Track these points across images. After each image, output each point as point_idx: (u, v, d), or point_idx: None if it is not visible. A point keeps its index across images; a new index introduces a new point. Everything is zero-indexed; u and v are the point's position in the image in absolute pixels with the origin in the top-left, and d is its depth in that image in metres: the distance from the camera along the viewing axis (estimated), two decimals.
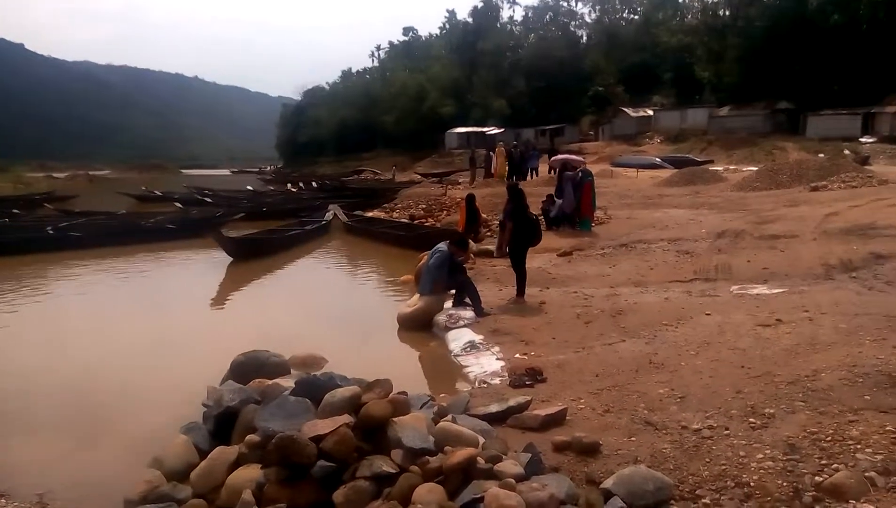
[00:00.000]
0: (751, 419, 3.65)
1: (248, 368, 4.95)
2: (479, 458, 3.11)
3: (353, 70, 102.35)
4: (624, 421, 3.85)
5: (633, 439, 3.60)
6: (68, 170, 65.54)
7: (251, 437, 3.44)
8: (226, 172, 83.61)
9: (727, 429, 3.57)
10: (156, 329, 7.71)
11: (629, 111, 50.89)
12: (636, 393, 4.27)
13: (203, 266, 12.40)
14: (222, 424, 3.92)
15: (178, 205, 22.39)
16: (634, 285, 7.88)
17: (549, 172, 15.97)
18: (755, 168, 23.57)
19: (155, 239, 14.91)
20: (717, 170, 25.21)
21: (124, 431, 4.60)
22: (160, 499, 3.27)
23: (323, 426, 3.25)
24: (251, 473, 3.25)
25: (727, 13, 47.62)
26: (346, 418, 3.35)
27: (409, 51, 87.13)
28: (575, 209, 12.62)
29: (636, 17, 67.50)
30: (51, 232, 14.74)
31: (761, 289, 7.11)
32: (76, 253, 13.14)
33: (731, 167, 28.72)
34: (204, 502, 3.26)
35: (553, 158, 17.98)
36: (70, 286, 10.57)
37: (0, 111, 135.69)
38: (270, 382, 4.42)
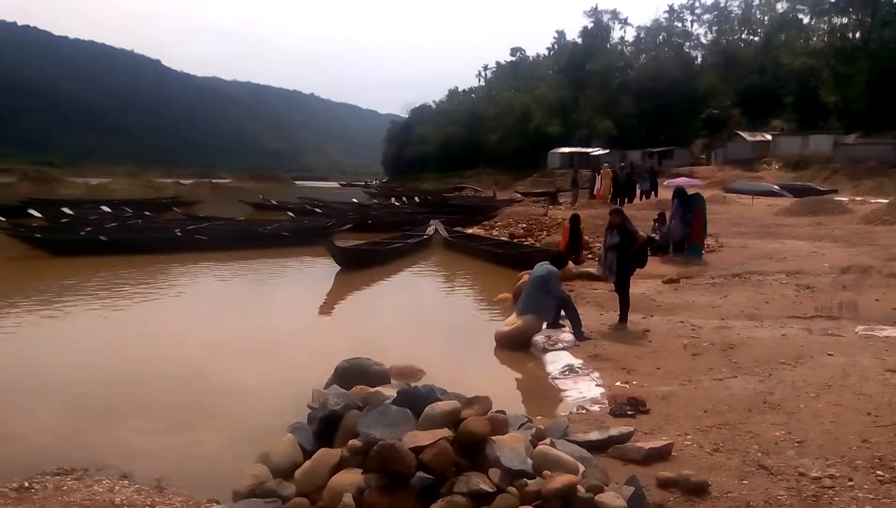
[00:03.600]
0: (878, 472, 3.35)
1: (352, 374, 5.12)
2: (579, 486, 3.04)
3: (460, 89, 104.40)
4: (735, 462, 3.64)
5: (744, 482, 3.40)
6: (193, 177, 70.65)
7: (353, 442, 3.54)
8: (335, 184, 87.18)
9: (851, 480, 3.29)
10: (267, 330, 8.13)
11: (745, 135, 48.43)
12: (749, 434, 4.03)
13: (313, 273, 12.97)
14: (326, 426, 4.06)
15: (291, 214, 23.55)
16: (748, 319, 7.45)
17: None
18: (885, 200, 21.73)
19: (270, 245, 15.78)
20: (841, 201, 23.44)
21: (233, 425, 4.86)
22: (266, 494, 3.42)
23: (423, 437, 3.29)
24: (352, 477, 3.34)
25: (857, 35, 44.45)
26: (446, 432, 3.38)
27: (515, 71, 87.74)
28: (684, 236, 12.10)
29: (756, 38, 64.47)
30: (179, 234, 15.94)
31: (891, 331, 6.52)
32: (201, 255, 14.15)
33: (858, 198, 26.62)
34: (307, 501, 3.37)
35: (668, 182, 17.35)
36: (193, 285, 11.39)
37: (137, 122, 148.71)
38: (372, 390, 4.54)
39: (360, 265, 12.96)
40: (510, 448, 3.36)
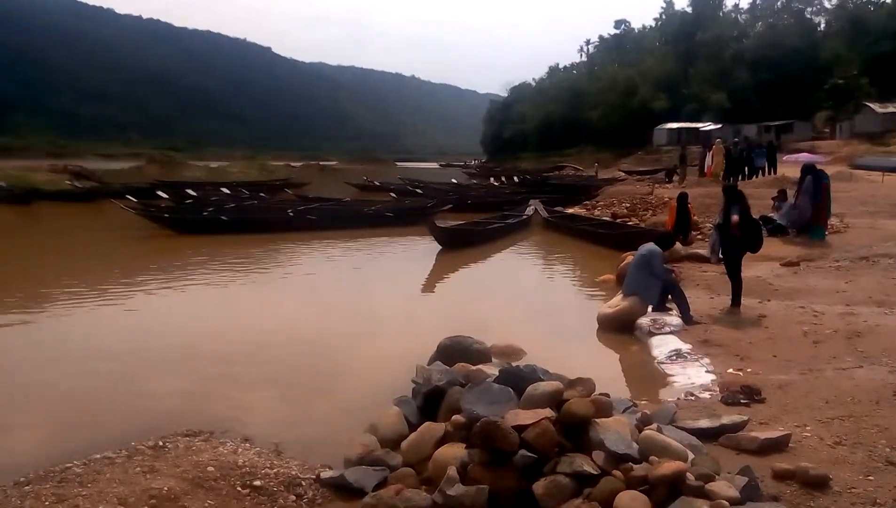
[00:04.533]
0: None
1: (454, 352, 5.21)
2: (688, 473, 2.96)
3: (561, 66, 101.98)
4: (860, 457, 3.40)
5: (870, 478, 3.17)
6: (302, 160, 73.72)
7: (457, 417, 3.61)
8: (434, 165, 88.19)
9: None
10: (372, 307, 8.41)
11: (875, 106, 44.12)
12: (876, 427, 3.75)
13: (414, 253, 13.24)
14: (430, 401, 4.18)
15: (393, 195, 24.10)
16: (876, 305, 6.87)
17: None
18: None
19: (374, 225, 16.27)
20: None
21: (342, 396, 5.09)
22: (375, 462, 3.59)
23: (525, 416, 3.31)
24: (456, 451, 3.42)
25: None
26: (548, 412, 3.38)
27: (619, 44, 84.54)
28: (810, 216, 11.22)
29: (888, 0, 58.33)
30: (291, 214, 16.78)
31: None
32: (310, 234, 14.81)
33: None
34: (413, 471, 3.50)
35: (788, 157, 16.12)
36: (304, 262, 11.96)
37: (251, 107, 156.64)
38: (474, 367, 4.62)
39: (460, 245, 13.09)
40: (615, 432, 3.32)
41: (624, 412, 3.89)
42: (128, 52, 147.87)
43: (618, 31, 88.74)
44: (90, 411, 4.77)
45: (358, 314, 7.97)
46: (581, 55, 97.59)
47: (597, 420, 3.39)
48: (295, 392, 5.21)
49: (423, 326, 7.30)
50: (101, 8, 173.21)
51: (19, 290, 9.33)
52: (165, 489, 3.18)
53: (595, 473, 3.09)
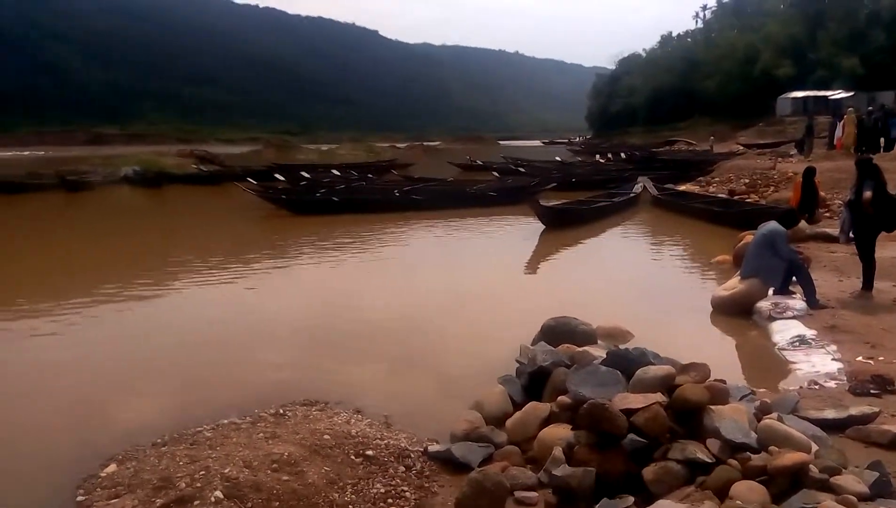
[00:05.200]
0: None
1: (558, 332, 5.17)
2: (812, 465, 2.79)
3: (674, 34, 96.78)
4: None
5: None
6: (407, 141, 75.06)
7: (563, 398, 3.60)
8: (537, 143, 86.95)
9: None
10: (476, 286, 8.48)
11: None
12: None
13: (518, 232, 13.18)
14: (534, 381, 4.19)
15: (496, 174, 24.03)
16: None
17: None
18: None
19: (478, 204, 16.34)
20: None
21: (447, 372, 5.19)
22: (480, 439, 3.66)
23: (634, 400, 3.25)
24: (561, 432, 3.41)
25: None
26: (659, 396, 3.30)
27: (739, 8, 78.82)
28: None
29: None
30: (397, 195, 17.20)
31: None
32: (416, 213, 15.12)
33: None
34: (518, 449, 3.54)
35: None
36: (411, 241, 12.26)
37: (358, 90, 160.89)
38: (580, 349, 4.57)
39: (564, 224, 12.89)
40: (731, 420, 3.20)
41: (741, 399, 3.73)
42: (246, 41, 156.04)
43: None
44: (215, 379, 5.15)
45: (461, 293, 8.07)
46: (696, 22, 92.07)
47: (711, 407, 3.27)
48: (401, 367, 5.38)
49: (527, 306, 7.27)
50: None
51: (151, 267, 10.19)
52: (286, 454, 3.40)
53: (709, 461, 3.00)
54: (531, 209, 12.87)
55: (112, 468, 3.54)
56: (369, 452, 3.56)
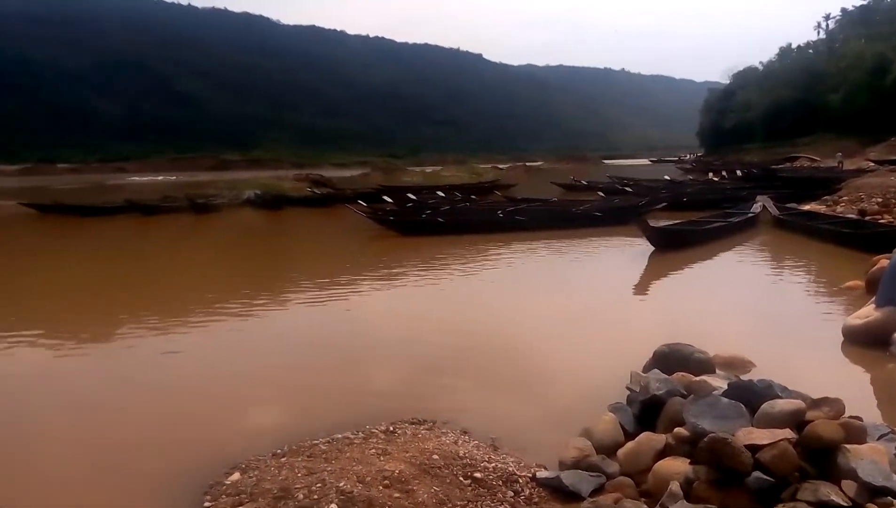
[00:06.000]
0: None
1: (672, 360, 4.96)
2: None
3: (793, 46, 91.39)
4: None
5: None
6: (509, 161, 75.30)
7: (679, 430, 3.45)
8: (644, 161, 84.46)
9: None
10: (581, 308, 8.32)
11: None
12: None
13: (625, 253, 12.83)
14: (647, 410, 4.04)
15: (601, 194, 23.56)
16: None
17: None
18: None
19: (583, 225, 16.06)
20: None
21: (552, 397, 5.10)
22: (591, 468, 3.56)
23: (760, 435, 3.06)
24: (678, 466, 3.26)
25: None
26: (787, 432, 3.09)
27: (866, 16, 73.39)
28: None
29: None
30: (500, 215, 17.25)
31: None
32: (519, 234, 15.05)
33: None
34: (631, 481, 3.41)
35: None
36: (515, 262, 12.21)
37: (462, 113, 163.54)
38: (697, 378, 4.35)
39: (675, 246, 12.39)
40: (870, 461, 2.93)
41: (879, 439, 3.41)
42: (358, 69, 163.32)
43: (865, 2, 77.18)
44: (328, 394, 5.34)
45: (567, 316, 7.94)
46: (818, 32, 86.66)
47: (847, 447, 3.02)
48: (506, 390, 5.34)
49: (636, 330, 7.05)
50: (335, 30, 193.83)
51: (269, 285, 10.78)
52: (397, 471, 3.47)
53: (845, 505, 2.76)
54: (639, 230, 12.48)
55: (236, 476, 3.75)
56: (477, 474, 3.56)
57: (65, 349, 7.16)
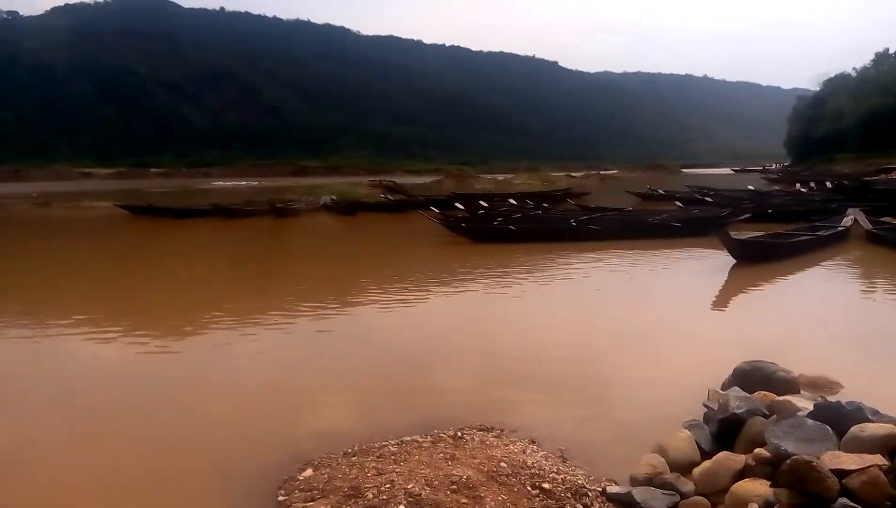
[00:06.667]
0: None
1: (753, 378, 4.76)
2: None
3: (892, 51, 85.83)
4: None
5: None
6: (583, 170, 74.09)
7: (760, 451, 3.31)
8: (727, 170, 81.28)
9: None
10: (656, 321, 8.09)
11: None
12: None
13: (705, 266, 12.39)
14: (725, 429, 3.89)
15: (679, 204, 22.84)
16: None
17: None
18: None
19: (660, 235, 15.61)
20: None
21: (622, 411, 4.97)
22: (664, 486, 3.46)
23: (848, 460, 2.90)
24: (758, 488, 3.13)
25: None
26: (879, 458, 2.91)
27: None
28: None
29: None
30: (573, 224, 17.01)
31: None
32: (592, 243, 14.81)
33: None
34: (707, 501, 3.30)
35: None
36: (587, 272, 12.01)
37: (535, 121, 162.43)
38: (781, 398, 4.17)
39: (758, 259, 11.86)
40: None
41: None
42: (433, 77, 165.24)
43: None
44: (397, 396, 5.42)
45: (641, 328, 7.75)
46: None
47: None
48: (575, 401, 5.27)
49: (714, 346, 6.79)
50: (412, 40, 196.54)
51: (342, 287, 11.02)
52: (465, 477, 3.49)
53: None
54: (720, 242, 12.02)
55: (308, 472, 3.87)
56: (545, 485, 3.53)
57: (151, 343, 7.59)
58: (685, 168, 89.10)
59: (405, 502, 3.22)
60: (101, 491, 3.93)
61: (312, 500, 3.48)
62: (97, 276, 13.08)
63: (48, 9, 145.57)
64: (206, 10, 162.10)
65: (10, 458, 4.37)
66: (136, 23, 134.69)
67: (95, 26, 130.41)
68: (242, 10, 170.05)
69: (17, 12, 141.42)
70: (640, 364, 6.21)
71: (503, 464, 3.71)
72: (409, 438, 4.26)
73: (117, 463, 4.30)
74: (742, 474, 3.35)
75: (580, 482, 3.64)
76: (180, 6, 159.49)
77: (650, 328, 7.77)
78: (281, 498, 3.61)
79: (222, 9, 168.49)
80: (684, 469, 3.64)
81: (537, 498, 3.42)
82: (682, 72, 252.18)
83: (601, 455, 4.14)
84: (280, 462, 4.07)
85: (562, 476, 3.68)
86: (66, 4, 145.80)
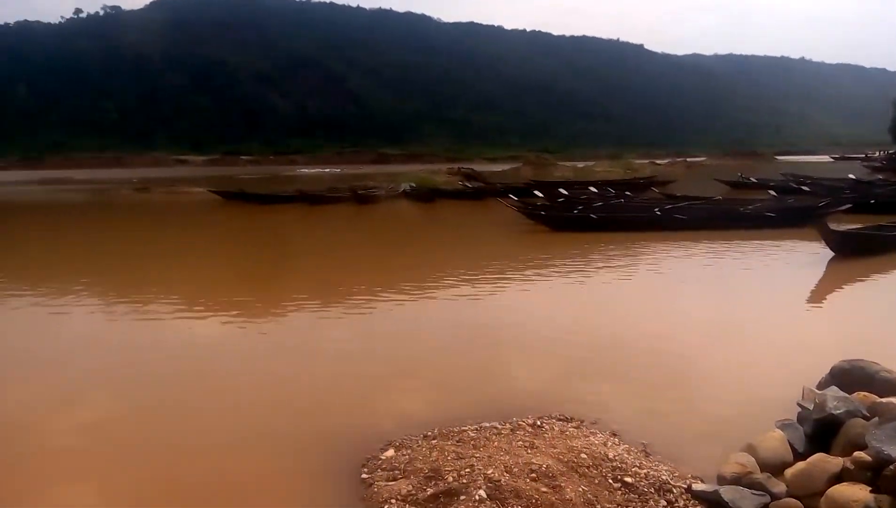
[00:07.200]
0: None
1: (852, 378, 4.49)
2: None
3: None
4: None
5: None
6: (668, 157, 71.68)
7: (860, 454, 3.13)
8: (825, 158, 76.40)
9: None
10: (747, 315, 7.77)
11: None
12: None
13: (799, 259, 11.77)
14: (821, 430, 3.72)
15: (773, 193, 21.69)
16: None
17: None
18: None
19: (751, 226, 14.92)
20: None
21: (709, 406, 4.83)
22: (753, 486, 3.33)
23: None
24: (857, 493, 2.97)
25: None
26: None
27: None
28: None
29: None
30: (658, 213, 16.48)
31: None
32: (678, 233, 14.34)
33: None
34: (800, 504, 3.16)
35: None
36: (674, 263, 11.67)
37: (619, 106, 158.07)
38: (884, 399, 3.92)
39: (859, 252, 11.12)
40: None
41: None
42: (514, 64, 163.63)
43: None
44: (475, 382, 5.47)
45: (730, 322, 7.46)
46: None
47: None
48: (659, 394, 5.14)
49: (810, 343, 6.46)
50: (492, 26, 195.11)
51: (421, 273, 11.14)
52: (544, 466, 3.49)
53: None
54: (818, 233, 11.34)
55: (390, 452, 3.98)
56: (628, 479, 3.48)
57: (243, 322, 7.99)
58: (780, 155, 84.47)
59: (485, 487, 3.26)
60: (206, 450, 4.28)
61: (394, 479, 3.57)
62: (194, 256, 13.87)
63: (147, 3, 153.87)
64: (293, 0, 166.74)
65: (154, 410, 4.76)
66: (227, 15, 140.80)
67: (190, 19, 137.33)
68: (327, 1, 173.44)
69: (120, 7, 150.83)
70: (728, 360, 6.00)
71: (583, 455, 3.69)
72: (487, 424, 4.29)
73: (214, 427, 4.61)
74: (839, 477, 3.19)
75: (664, 477, 3.56)
76: None
77: (740, 322, 7.47)
78: (364, 476, 3.74)
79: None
80: (776, 469, 3.50)
81: (619, 492, 3.38)
82: (778, 54, 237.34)
83: (686, 452, 4.04)
84: (362, 441, 4.21)
85: (644, 470, 3.62)
86: None
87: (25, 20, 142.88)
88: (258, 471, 3.96)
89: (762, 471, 3.46)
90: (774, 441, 3.65)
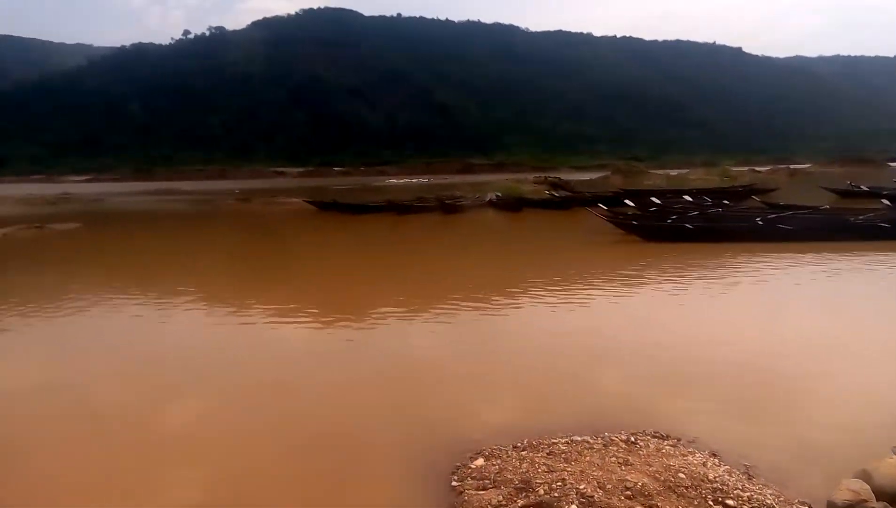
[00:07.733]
0: None
1: None
2: None
3: None
4: None
5: None
6: (769, 164, 68.03)
7: None
8: None
9: None
10: (855, 332, 7.28)
11: None
12: None
13: None
14: None
15: (886, 202, 20.12)
16: None
17: None
18: None
19: (863, 237, 13.92)
20: None
21: (816, 429, 4.56)
22: None
23: None
24: None
25: None
26: None
27: None
28: None
29: None
30: (760, 223, 15.63)
31: None
32: (782, 245, 13.57)
33: None
34: None
35: None
36: (778, 275, 11.02)
37: (716, 112, 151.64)
38: None
39: None
40: None
41: None
42: (603, 71, 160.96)
43: None
44: (565, 394, 5.41)
45: (840, 341, 6.98)
46: None
47: None
48: (760, 417, 4.89)
49: None
50: (581, 34, 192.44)
51: (508, 282, 11.11)
52: (640, 484, 3.39)
53: None
54: None
55: (480, 462, 3.98)
56: (730, 501, 3.33)
57: (335, 330, 8.25)
58: (892, 162, 78.36)
59: (577, 502, 3.21)
60: (304, 449, 4.47)
61: (484, 489, 3.58)
62: (290, 264, 14.48)
63: (249, 23, 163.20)
64: (384, 17, 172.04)
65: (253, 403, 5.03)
66: (323, 32, 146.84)
67: (287, 37, 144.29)
68: (417, 15, 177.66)
69: (224, 27, 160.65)
70: (837, 382, 5.62)
71: (681, 475, 3.55)
72: (578, 438, 4.22)
73: (312, 428, 4.81)
74: None
75: (769, 501, 3.38)
76: (361, 14, 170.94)
77: (851, 341, 6.97)
78: (454, 484, 3.76)
79: (399, 15, 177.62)
80: (892, 498, 3.27)
81: None
82: (891, 54, 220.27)
83: (792, 476, 3.83)
84: (452, 449, 4.24)
85: (747, 493, 3.45)
86: (264, 18, 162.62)
87: (140, 42, 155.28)
88: (353, 472, 4.09)
89: (878, 500, 3.23)
90: (891, 468, 3.40)
